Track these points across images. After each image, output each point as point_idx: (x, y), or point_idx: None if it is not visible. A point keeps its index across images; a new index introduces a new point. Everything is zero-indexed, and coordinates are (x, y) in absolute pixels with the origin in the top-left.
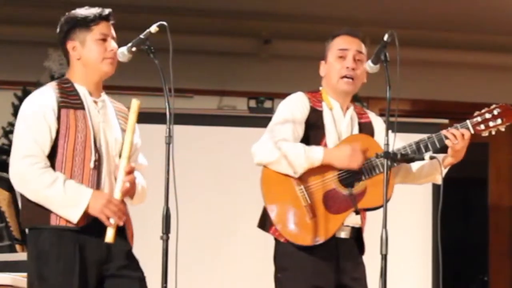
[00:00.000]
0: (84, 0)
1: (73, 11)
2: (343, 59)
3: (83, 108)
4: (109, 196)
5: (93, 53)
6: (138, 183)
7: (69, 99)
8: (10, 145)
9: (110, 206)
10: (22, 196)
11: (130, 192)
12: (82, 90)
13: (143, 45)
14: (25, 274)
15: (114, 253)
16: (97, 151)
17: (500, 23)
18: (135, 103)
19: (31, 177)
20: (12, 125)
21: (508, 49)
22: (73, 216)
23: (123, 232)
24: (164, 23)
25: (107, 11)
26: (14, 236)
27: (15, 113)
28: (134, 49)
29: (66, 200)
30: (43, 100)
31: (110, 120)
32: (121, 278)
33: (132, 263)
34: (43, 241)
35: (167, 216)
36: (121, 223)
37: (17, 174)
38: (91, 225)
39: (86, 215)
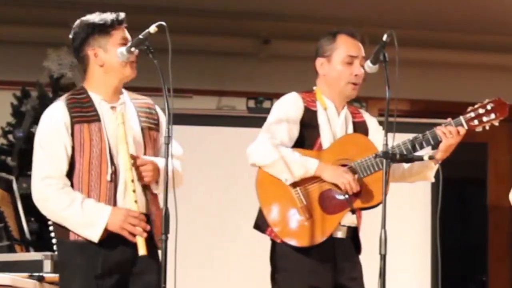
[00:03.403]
0: (84, 1)
1: (86, 17)
2: (351, 65)
3: (98, 120)
4: (126, 211)
5: (116, 58)
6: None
7: (83, 112)
8: (9, 145)
9: (130, 220)
10: None
11: (152, 179)
12: (98, 99)
13: (142, 45)
14: (24, 274)
15: (140, 258)
16: (113, 163)
17: (500, 23)
18: (120, 115)
19: (49, 198)
20: (11, 125)
21: (508, 49)
22: (93, 236)
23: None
24: (163, 23)
25: (122, 15)
26: (13, 236)
27: (14, 113)
28: (133, 49)
29: (85, 221)
30: (55, 118)
31: (129, 122)
32: (142, 280)
33: (156, 264)
34: (65, 251)
35: (166, 216)
36: (144, 235)
37: (36, 195)
38: (114, 235)
39: (107, 230)
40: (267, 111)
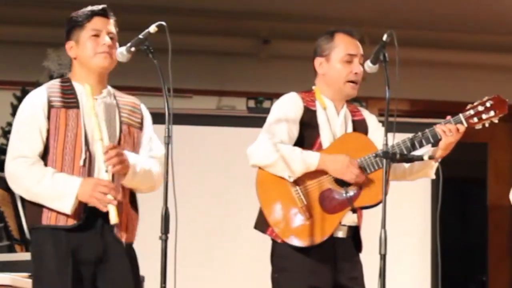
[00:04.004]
0: (84, 1)
1: (73, 12)
2: (350, 64)
3: (77, 107)
4: (96, 179)
5: (86, 50)
6: (134, 164)
7: (63, 98)
8: None
9: (99, 188)
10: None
11: (121, 169)
12: (80, 89)
13: (142, 45)
14: (24, 274)
15: (111, 252)
16: (88, 149)
17: (500, 23)
18: (87, 88)
19: (21, 176)
20: (11, 125)
21: (508, 49)
22: (65, 207)
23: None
24: (163, 23)
25: (100, 6)
26: (13, 236)
27: (14, 113)
28: (133, 49)
29: (56, 193)
30: (33, 101)
31: (109, 117)
32: (116, 278)
33: (129, 261)
34: (37, 241)
35: (166, 216)
36: (114, 203)
37: (8, 174)
38: (85, 224)
39: (79, 209)
40: (267, 111)
